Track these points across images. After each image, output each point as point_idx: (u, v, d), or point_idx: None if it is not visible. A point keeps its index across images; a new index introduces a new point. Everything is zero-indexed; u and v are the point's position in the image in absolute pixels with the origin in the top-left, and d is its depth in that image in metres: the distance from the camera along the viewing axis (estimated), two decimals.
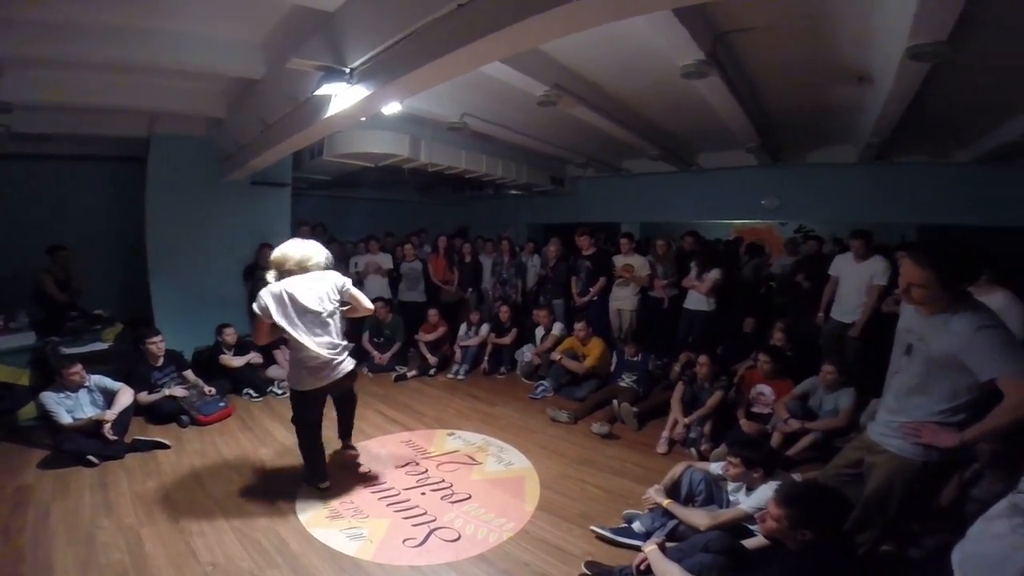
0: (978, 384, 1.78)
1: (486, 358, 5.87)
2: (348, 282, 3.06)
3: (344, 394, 3.35)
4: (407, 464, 3.60)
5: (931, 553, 2.33)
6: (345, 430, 3.58)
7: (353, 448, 3.61)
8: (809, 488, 2.02)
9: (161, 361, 4.48)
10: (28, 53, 3.23)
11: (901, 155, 5.94)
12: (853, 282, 4.42)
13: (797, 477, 2.84)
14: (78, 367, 3.75)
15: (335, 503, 3.08)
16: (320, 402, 3.16)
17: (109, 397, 3.87)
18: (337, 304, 3.01)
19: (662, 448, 3.84)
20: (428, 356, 5.87)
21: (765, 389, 3.97)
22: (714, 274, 5.22)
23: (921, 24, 2.56)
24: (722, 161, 7.17)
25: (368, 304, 3.12)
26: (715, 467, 2.88)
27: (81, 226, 5.99)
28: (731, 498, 2.70)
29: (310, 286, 2.92)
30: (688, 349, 4.88)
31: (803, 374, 3.88)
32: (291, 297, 2.86)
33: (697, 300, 5.35)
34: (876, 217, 6.43)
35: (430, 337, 6.01)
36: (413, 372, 5.73)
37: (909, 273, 1.89)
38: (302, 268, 2.96)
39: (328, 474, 3.24)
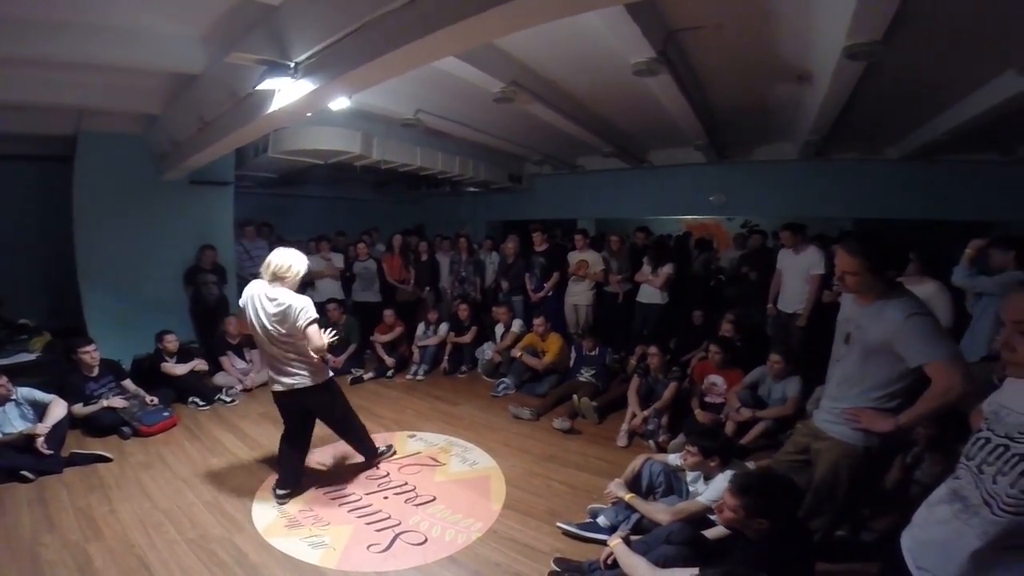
0: (909, 370, 1.88)
1: (446, 357, 5.82)
2: (307, 321, 2.82)
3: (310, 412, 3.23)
4: (367, 469, 3.51)
5: (883, 536, 2.46)
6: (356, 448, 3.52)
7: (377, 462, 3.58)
8: (761, 478, 2.09)
9: (96, 371, 4.21)
10: None
11: (838, 152, 6.26)
12: (793, 274, 4.66)
13: (751, 465, 2.95)
14: (3, 379, 3.52)
15: (293, 512, 2.99)
16: (282, 409, 3.12)
17: (40, 410, 3.65)
18: (282, 331, 2.86)
19: (622, 441, 3.91)
20: (385, 357, 5.77)
21: (717, 379, 4.11)
22: (667, 268, 5.37)
23: (858, 24, 2.68)
24: (672, 158, 7.34)
25: (319, 343, 2.87)
26: (673, 458, 2.94)
27: (1, 231, 5.54)
28: (690, 488, 2.78)
29: (271, 306, 2.84)
30: (643, 342, 4.99)
31: (752, 363, 4.03)
32: (255, 302, 2.87)
33: (651, 294, 5.49)
34: (816, 212, 6.77)
35: (386, 338, 5.90)
36: (370, 374, 5.61)
37: (842, 261, 2.00)
38: (276, 277, 2.89)
39: (291, 487, 3.15)
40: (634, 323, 5.71)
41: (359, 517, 2.94)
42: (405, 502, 3.10)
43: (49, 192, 5.76)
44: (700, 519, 2.50)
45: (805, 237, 4.74)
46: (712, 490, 2.52)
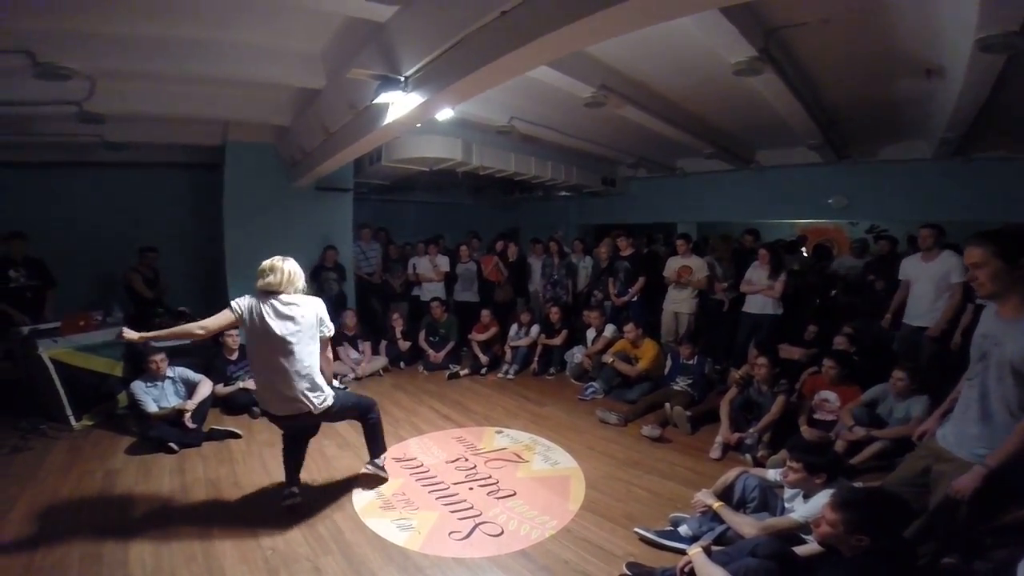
0: None
1: (536, 358, 5.93)
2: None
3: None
4: (457, 459, 3.70)
5: (999, 566, 2.17)
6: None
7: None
8: (869, 493, 1.95)
9: (236, 355, 4.81)
10: (117, 67, 3.53)
11: (982, 150, 5.49)
12: (925, 283, 4.16)
13: (859, 486, 2.71)
14: (160, 355, 4.08)
15: (388, 494, 3.21)
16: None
17: (190, 388, 4.19)
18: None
19: (715, 453, 3.74)
20: (480, 355, 6.00)
21: (830, 395, 3.82)
22: (784, 276, 5.06)
23: (988, 15, 2.39)
24: (783, 158, 6.88)
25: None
26: (772, 473, 2.78)
27: (163, 229, 6.49)
28: (786, 506, 2.60)
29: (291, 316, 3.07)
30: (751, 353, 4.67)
31: (872, 381, 3.68)
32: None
33: (762, 304, 5.16)
34: (956, 215, 5.95)
35: (482, 337, 6.14)
36: (466, 371, 5.87)
37: (970, 255, 1.85)
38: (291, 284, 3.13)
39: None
40: (739, 334, 5.39)
41: (445, 504, 3.10)
42: (488, 494, 3.22)
43: (202, 196, 6.70)
44: (791, 535, 2.35)
45: (941, 242, 4.23)
46: (810, 507, 2.35)
